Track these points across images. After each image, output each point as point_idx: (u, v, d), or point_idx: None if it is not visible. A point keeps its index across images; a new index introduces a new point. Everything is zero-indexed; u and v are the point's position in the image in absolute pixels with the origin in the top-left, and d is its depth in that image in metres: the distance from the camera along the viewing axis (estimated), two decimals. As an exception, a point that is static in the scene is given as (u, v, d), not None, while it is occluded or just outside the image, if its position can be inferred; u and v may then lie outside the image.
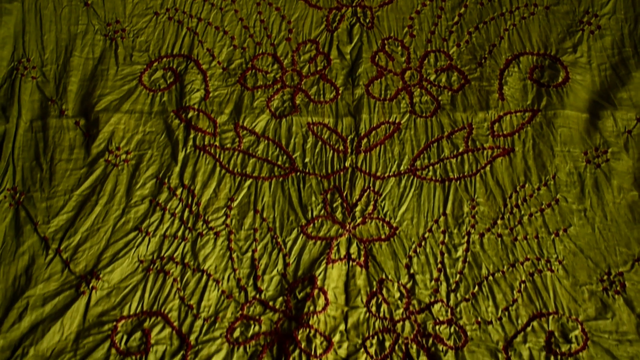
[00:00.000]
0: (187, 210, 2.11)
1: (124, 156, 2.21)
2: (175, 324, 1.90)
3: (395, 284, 1.97)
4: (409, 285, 1.97)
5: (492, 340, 1.86)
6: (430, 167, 2.19)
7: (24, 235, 2.04)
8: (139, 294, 1.95)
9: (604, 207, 2.09)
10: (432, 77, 2.37)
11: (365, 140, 2.24)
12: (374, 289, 1.96)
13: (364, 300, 1.94)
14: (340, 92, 2.35)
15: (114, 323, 1.89)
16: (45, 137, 2.23)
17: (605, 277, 1.97)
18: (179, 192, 2.15)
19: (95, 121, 2.26)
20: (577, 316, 1.89)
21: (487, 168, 2.18)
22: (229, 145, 2.24)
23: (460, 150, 2.21)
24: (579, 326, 1.87)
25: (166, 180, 2.17)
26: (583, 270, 1.98)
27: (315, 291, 1.93)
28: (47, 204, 2.10)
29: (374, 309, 1.93)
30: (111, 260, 2.00)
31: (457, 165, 2.19)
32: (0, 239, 2.04)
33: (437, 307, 1.93)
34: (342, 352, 1.85)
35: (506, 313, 1.91)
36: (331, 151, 2.22)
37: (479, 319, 1.90)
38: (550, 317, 1.89)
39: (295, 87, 2.36)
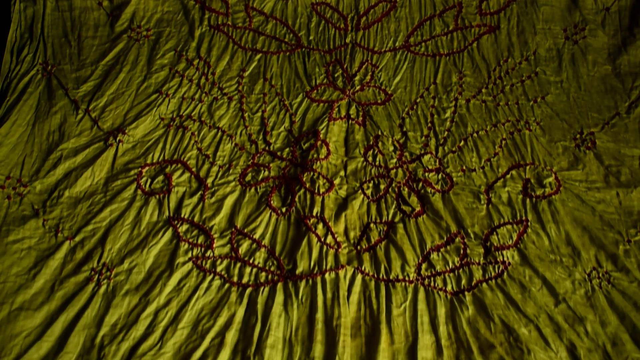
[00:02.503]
0: (203, 77, 2.18)
1: (144, 33, 2.27)
2: (194, 169, 1.97)
3: (390, 139, 2.05)
4: (401, 141, 2.05)
5: (475, 185, 1.94)
6: (423, 44, 2.24)
7: (56, 99, 2.10)
8: (160, 145, 2.03)
9: (579, 79, 2.16)
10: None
11: (364, 18, 2.29)
12: (371, 143, 2.04)
13: (362, 152, 2.02)
14: (341, -26, 2.38)
15: (139, 169, 1.97)
16: (72, 17, 2.28)
17: (578, 136, 2.04)
18: (195, 62, 2.22)
19: (118, 3, 2.28)
20: (552, 167, 1.97)
21: (474, 45, 2.24)
22: (240, 25, 2.28)
23: (450, 28, 2.26)
24: (553, 175, 1.95)
25: (184, 53, 2.23)
26: (558, 130, 2.06)
27: (319, 142, 2.01)
28: (76, 75, 2.17)
29: (370, 159, 2.00)
30: (135, 118, 2.08)
31: (447, 43, 2.25)
32: (35, 101, 2.10)
33: (426, 157, 2.00)
34: (342, 192, 1.93)
35: (488, 163, 1.99)
36: (333, 29, 2.27)
37: (464, 168, 1.98)
38: (528, 167, 1.97)
39: (300, -29, 2.39)
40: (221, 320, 1.68)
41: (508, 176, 1.96)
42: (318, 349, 1.62)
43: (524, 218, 1.87)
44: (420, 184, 1.95)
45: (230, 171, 1.98)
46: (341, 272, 1.77)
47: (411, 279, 1.77)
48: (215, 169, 1.99)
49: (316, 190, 1.91)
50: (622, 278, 1.75)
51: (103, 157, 1.99)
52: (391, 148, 2.03)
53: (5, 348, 1.58)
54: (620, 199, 1.90)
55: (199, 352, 1.62)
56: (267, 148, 2.03)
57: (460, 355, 1.62)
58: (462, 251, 1.82)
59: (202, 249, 1.82)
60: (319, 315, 1.67)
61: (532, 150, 2.01)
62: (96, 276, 1.76)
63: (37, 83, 2.14)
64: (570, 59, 2.19)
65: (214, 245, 1.83)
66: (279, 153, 2.02)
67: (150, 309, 1.69)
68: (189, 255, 1.81)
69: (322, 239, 1.83)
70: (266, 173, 1.97)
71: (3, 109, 2.06)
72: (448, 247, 1.83)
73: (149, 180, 1.95)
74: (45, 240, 1.83)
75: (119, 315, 1.68)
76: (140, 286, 1.75)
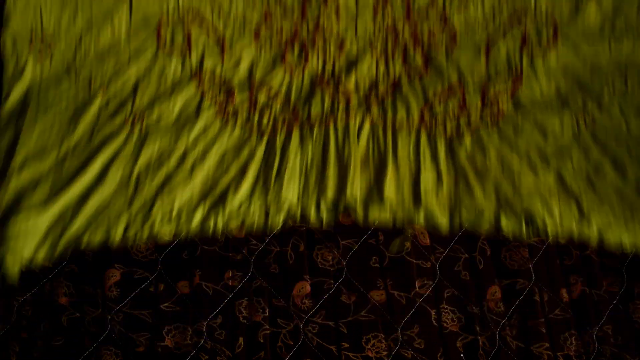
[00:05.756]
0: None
1: None
2: (212, 31, 1.89)
3: (398, 2, 1.94)
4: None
5: (477, 41, 1.88)
6: None
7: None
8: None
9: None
10: None
11: None
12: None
13: (371, 14, 1.92)
14: None
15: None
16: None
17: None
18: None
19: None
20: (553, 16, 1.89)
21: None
22: None
23: None
24: (551, 29, 1.88)
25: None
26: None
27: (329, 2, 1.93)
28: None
29: (379, 20, 1.92)
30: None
31: None
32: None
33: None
34: (353, 51, 1.87)
35: (492, 16, 1.91)
36: None
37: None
38: (528, 20, 1.89)
39: None
40: (243, 157, 1.69)
41: (508, 33, 1.89)
42: (331, 179, 1.64)
43: (519, 70, 1.82)
44: (426, 44, 1.88)
45: (246, 28, 1.91)
46: (351, 118, 1.75)
47: (415, 123, 1.75)
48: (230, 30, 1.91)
49: (328, 49, 1.86)
50: (605, 118, 1.75)
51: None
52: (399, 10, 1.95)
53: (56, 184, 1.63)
54: (611, 50, 1.85)
55: (224, 182, 1.64)
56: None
57: (459, 182, 1.63)
58: (461, 100, 1.79)
59: (224, 99, 1.79)
60: (331, 151, 1.69)
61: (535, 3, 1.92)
62: (130, 122, 1.74)
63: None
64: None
65: (235, 96, 1.80)
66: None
67: (180, 149, 1.70)
68: (212, 104, 1.79)
69: (334, 90, 1.79)
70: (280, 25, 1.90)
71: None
72: (449, 97, 1.79)
73: (171, 37, 1.87)
74: (80, 95, 1.79)
75: (151, 153, 1.68)
76: (170, 130, 1.73)
